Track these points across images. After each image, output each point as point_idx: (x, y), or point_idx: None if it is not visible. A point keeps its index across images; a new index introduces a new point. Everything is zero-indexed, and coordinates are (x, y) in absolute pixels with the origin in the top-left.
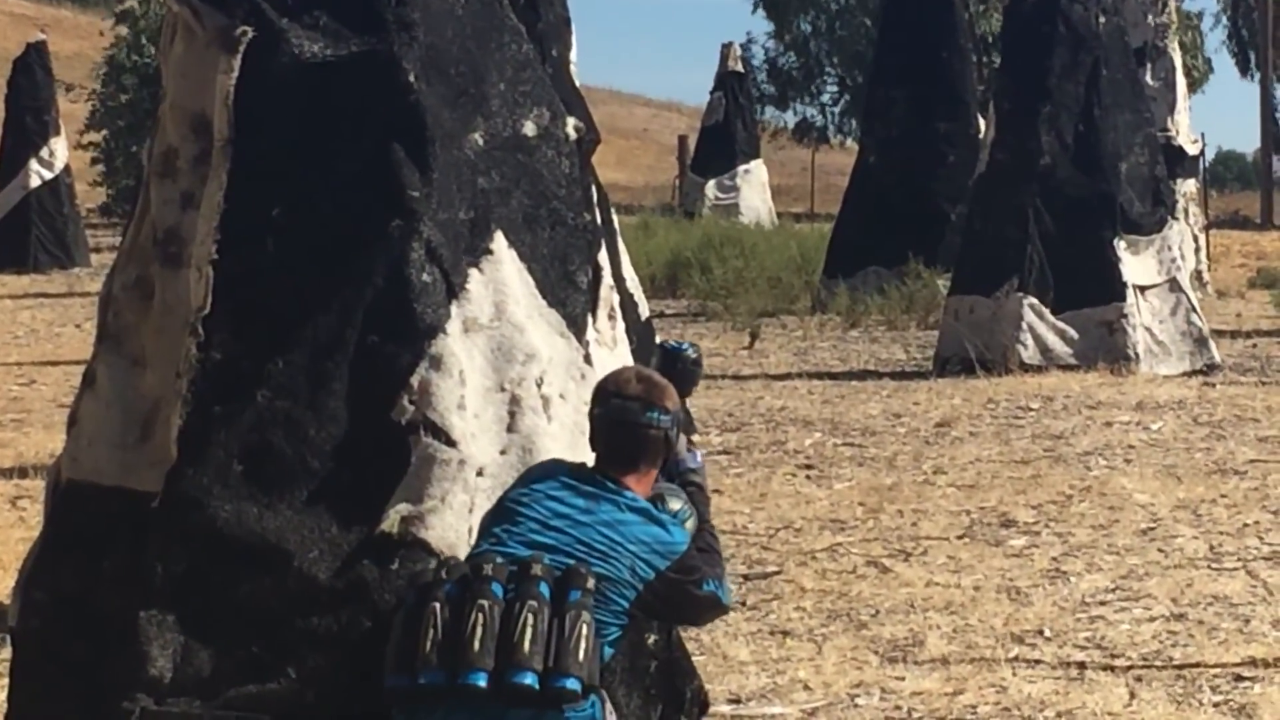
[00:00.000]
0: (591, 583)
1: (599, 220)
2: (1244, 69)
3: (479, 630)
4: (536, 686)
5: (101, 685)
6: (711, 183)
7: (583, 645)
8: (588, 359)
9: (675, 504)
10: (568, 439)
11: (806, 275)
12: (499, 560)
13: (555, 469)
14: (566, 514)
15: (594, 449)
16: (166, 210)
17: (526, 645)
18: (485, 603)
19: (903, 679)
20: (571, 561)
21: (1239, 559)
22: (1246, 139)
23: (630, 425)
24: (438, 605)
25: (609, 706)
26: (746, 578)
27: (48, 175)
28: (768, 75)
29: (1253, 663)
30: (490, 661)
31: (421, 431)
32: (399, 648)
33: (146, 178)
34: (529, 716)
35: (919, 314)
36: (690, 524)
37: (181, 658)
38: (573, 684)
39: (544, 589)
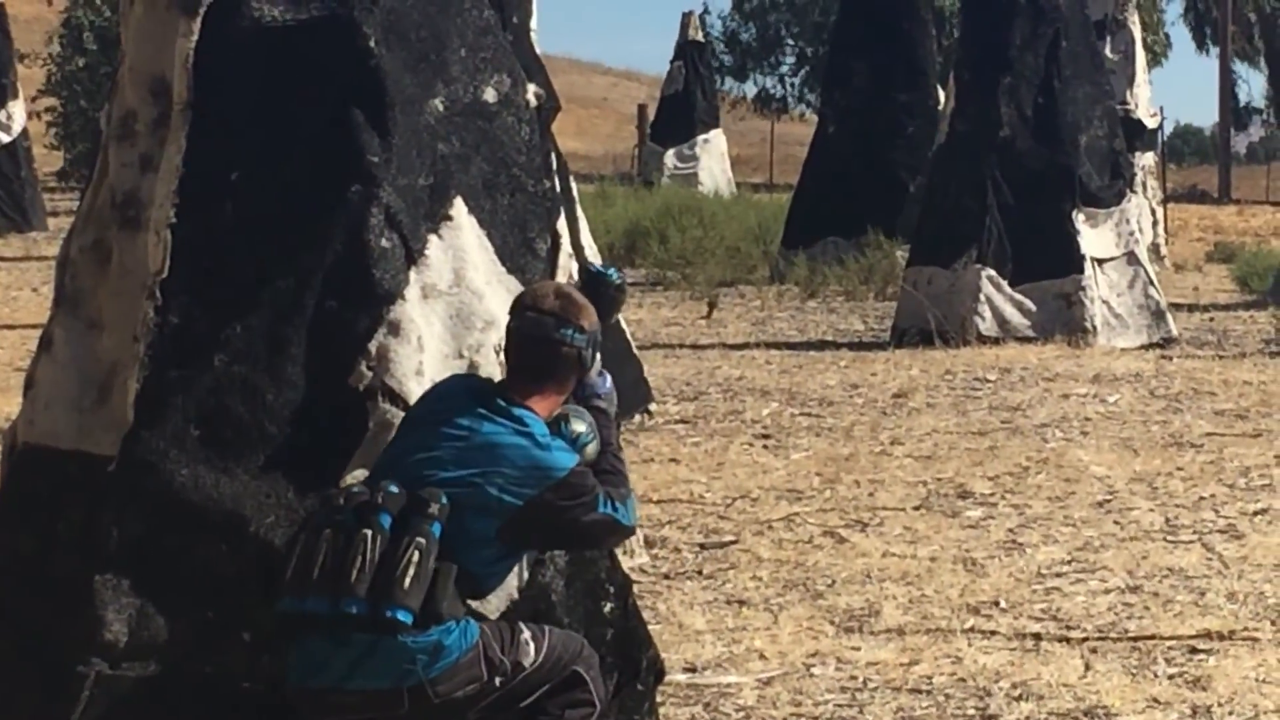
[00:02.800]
0: (434, 508)
1: (558, 188)
2: (1201, 44)
3: (359, 560)
4: (357, 613)
5: (56, 649)
6: (670, 152)
7: (410, 573)
8: None
9: (578, 426)
10: None
11: (765, 245)
12: (393, 490)
13: (457, 385)
14: (451, 434)
15: (506, 362)
16: (125, 173)
17: (354, 575)
18: (368, 532)
19: (858, 649)
20: (444, 489)
21: (1194, 532)
22: (1205, 113)
23: (542, 340)
24: (330, 533)
25: (494, 635)
26: (703, 546)
27: (4, 139)
28: (726, 46)
29: (1208, 635)
30: (364, 591)
31: (379, 397)
32: (294, 571)
33: (105, 141)
34: (367, 642)
35: (877, 285)
36: (591, 448)
37: (137, 622)
38: (403, 615)
39: (384, 519)
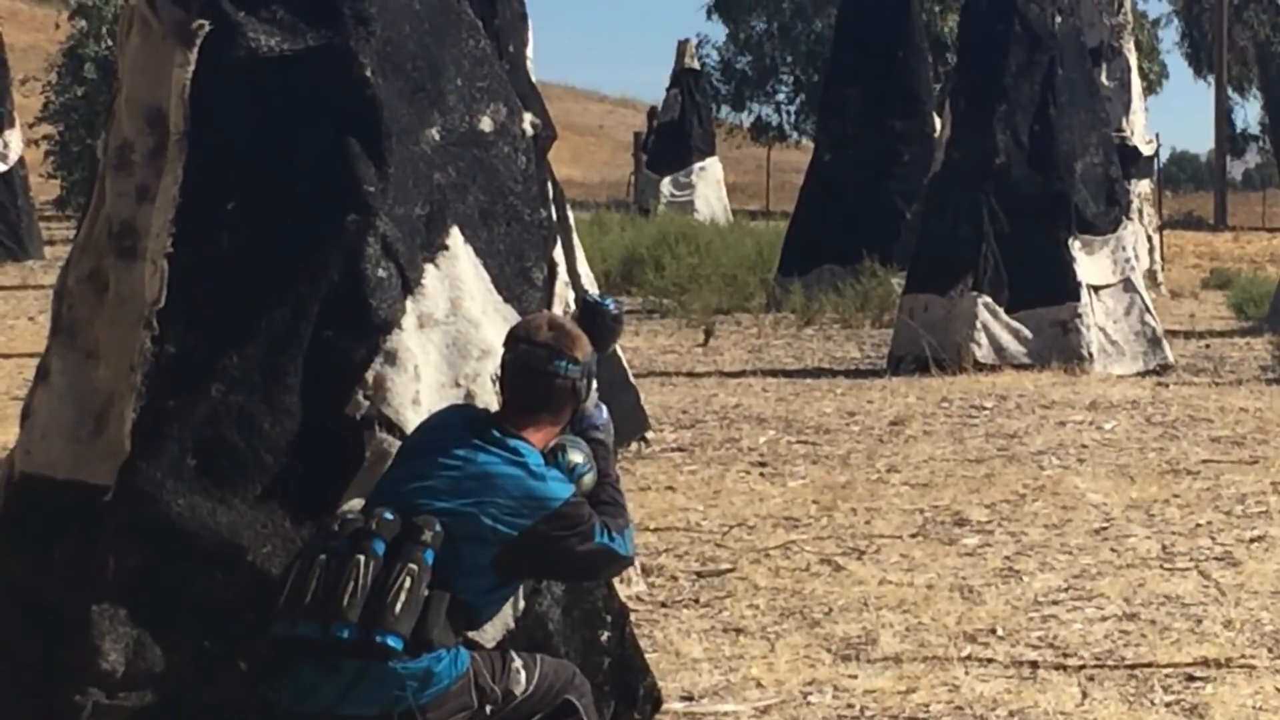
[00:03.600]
0: (428, 535)
1: (554, 216)
2: (1197, 70)
3: (350, 586)
4: (348, 638)
5: (54, 679)
6: (667, 179)
7: (401, 599)
8: None
9: (575, 456)
10: None
11: (761, 273)
12: (388, 517)
13: (453, 415)
14: (446, 464)
15: (501, 394)
16: (121, 203)
17: (346, 600)
18: (361, 559)
19: (855, 677)
20: (442, 512)
21: (1191, 559)
22: (1200, 140)
23: (536, 372)
24: (325, 559)
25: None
26: (700, 575)
27: (1, 167)
28: (722, 75)
29: (1205, 663)
30: (356, 616)
31: (376, 426)
32: (288, 595)
33: (102, 171)
34: (358, 667)
35: (873, 312)
36: (588, 479)
37: (134, 652)
38: (393, 640)
39: (378, 545)
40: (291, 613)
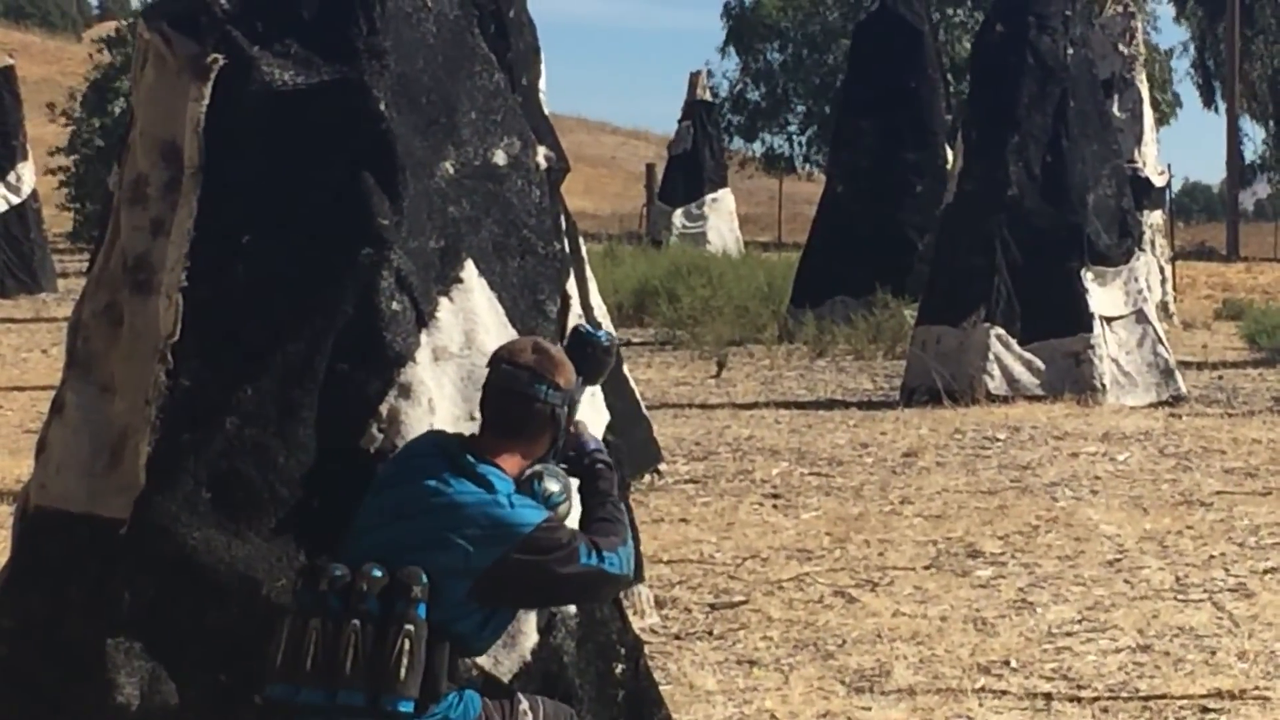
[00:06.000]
0: (417, 590)
1: (567, 249)
2: (1209, 101)
3: (351, 652)
4: (357, 705)
5: (69, 713)
6: (679, 211)
7: (404, 663)
8: None
9: (551, 485)
10: None
11: (774, 304)
12: (376, 574)
13: (426, 443)
14: (418, 496)
15: (481, 415)
16: (136, 237)
17: (349, 667)
18: (357, 622)
19: (869, 709)
20: (414, 554)
21: (1205, 590)
22: (1213, 170)
23: (516, 394)
24: (319, 622)
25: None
26: (713, 607)
27: (14, 200)
28: (733, 107)
29: (1219, 694)
30: (361, 683)
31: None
32: (284, 657)
33: (116, 204)
34: None
35: (886, 344)
36: (564, 508)
37: (149, 685)
38: (404, 705)
39: (371, 604)
40: (291, 677)
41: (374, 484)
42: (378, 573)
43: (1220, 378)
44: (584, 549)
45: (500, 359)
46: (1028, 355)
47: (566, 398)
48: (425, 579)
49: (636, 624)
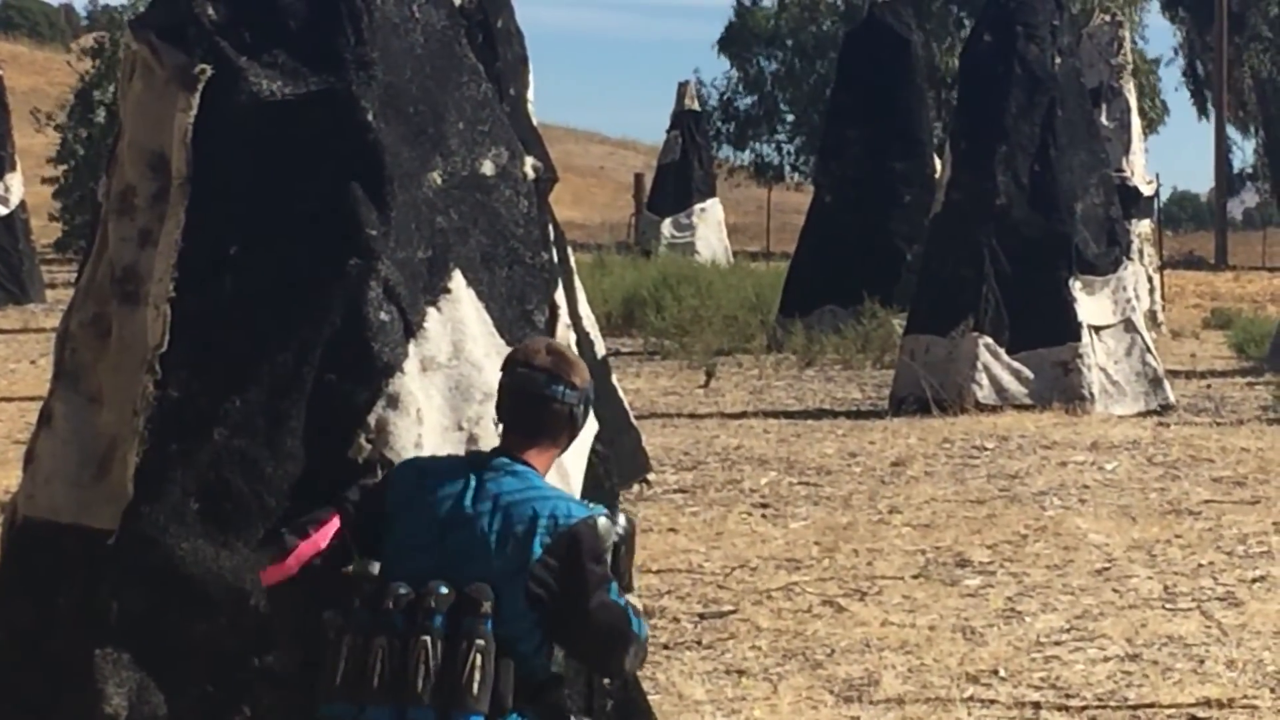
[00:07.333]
0: (486, 606)
1: (555, 259)
2: (1200, 110)
3: (421, 668)
4: None
5: None
6: (667, 221)
7: (476, 678)
8: None
9: (614, 524)
10: None
11: (762, 314)
12: (443, 591)
13: (443, 460)
14: (461, 507)
15: (499, 420)
16: (124, 248)
17: (419, 684)
18: (427, 639)
19: (858, 718)
20: (473, 563)
21: (1193, 599)
22: (1201, 180)
23: (533, 396)
24: (385, 639)
25: None
26: (702, 616)
27: (2, 211)
28: (721, 115)
29: (1207, 703)
30: (430, 698)
31: (378, 470)
32: (345, 676)
33: (104, 215)
34: None
35: (874, 353)
36: (603, 521)
37: (137, 696)
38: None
39: (438, 621)
40: (353, 695)
41: (399, 508)
42: (444, 589)
43: (1208, 387)
44: (616, 587)
45: (516, 362)
46: (1016, 364)
47: (582, 396)
48: (493, 596)
49: None
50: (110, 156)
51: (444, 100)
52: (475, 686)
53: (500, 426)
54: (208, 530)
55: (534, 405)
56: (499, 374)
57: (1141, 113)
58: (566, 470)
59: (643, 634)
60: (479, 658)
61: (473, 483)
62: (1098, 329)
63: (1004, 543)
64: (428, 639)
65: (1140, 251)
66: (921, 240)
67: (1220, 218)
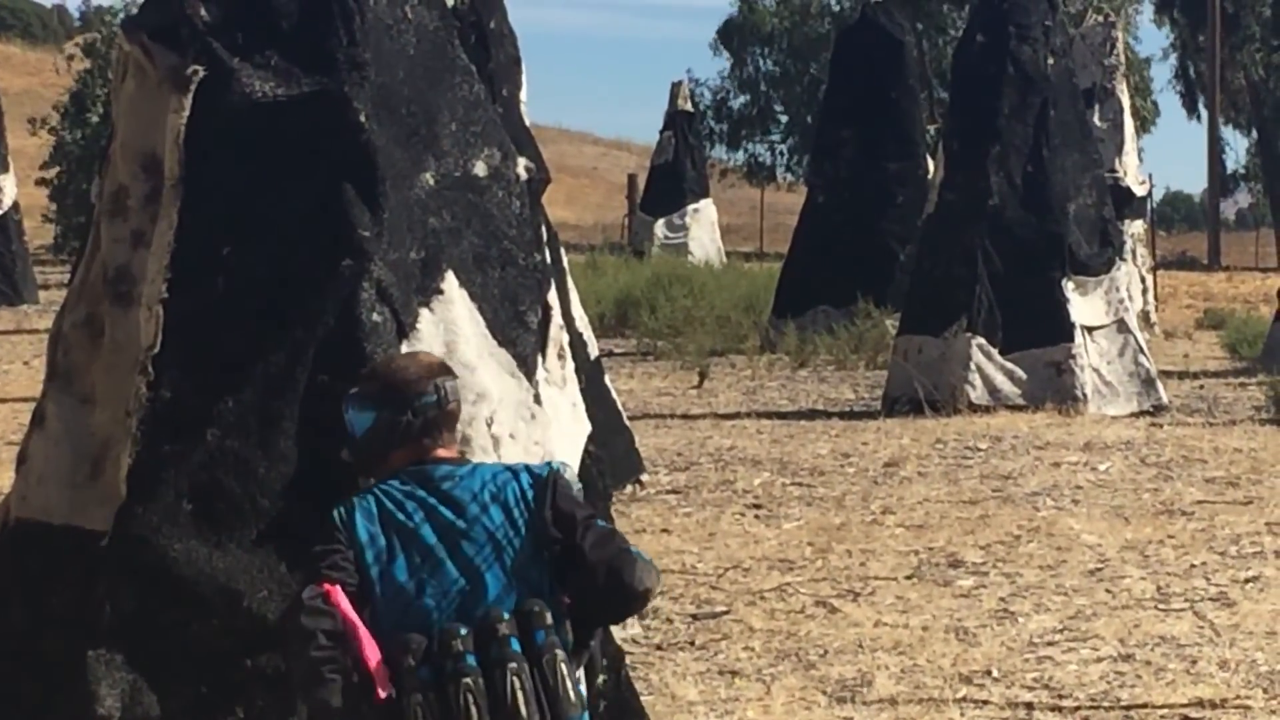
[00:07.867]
0: (548, 618)
1: (548, 259)
2: (1191, 110)
3: (521, 695)
4: None
5: None
6: (661, 222)
7: (568, 686)
8: (537, 399)
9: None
10: None
11: (755, 315)
12: (505, 617)
13: (394, 492)
14: (453, 523)
15: (425, 438)
16: (117, 249)
17: (523, 710)
18: (514, 665)
19: (851, 719)
20: (498, 565)
21: (1186, 600)
22: (1194, 180)
23: (436, 404)
24: (469, 681)
25: None
26: (695, 617)
27: None
28: (715, 116)
29: (1200, 703)
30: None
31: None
32: None
33: (97, 216)
34: None
35: (868, 354)
36: (569, 473)
37: (130, 697)
38: None
39: (514, 644)
40: None
41: (369, 560)
42: (506, 614)
43: (1201, 387)
44: (600, 520)
45: (429, 380)
46: (1009, 365)
47: (442, 387)
48: (543, 602)
49: (618, 634)
50: (103, 158)
51: (436, 101)
52: (571, 694)
53: (402, 446)
54: (201, 531)
55: (454, 413)
56: (497, 389)
57: (1134, 111)
58: None
59: (641, 553)
60: (564, 667)
61: (434, 497)
62: (1090, 329)
63: (997, 543)
64: (514, 664)
65: (1133, 252)
66: (915, 241)
67: (1213, 218)
